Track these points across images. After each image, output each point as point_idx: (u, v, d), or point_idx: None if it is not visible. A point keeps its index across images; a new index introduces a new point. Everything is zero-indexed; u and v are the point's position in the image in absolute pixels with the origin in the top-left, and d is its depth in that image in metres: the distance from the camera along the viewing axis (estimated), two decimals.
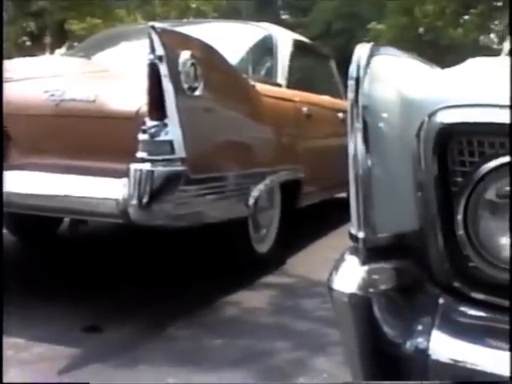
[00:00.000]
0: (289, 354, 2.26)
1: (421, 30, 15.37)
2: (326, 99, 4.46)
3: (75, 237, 3.91)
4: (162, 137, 2.33)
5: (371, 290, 1.07)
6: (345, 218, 1.27)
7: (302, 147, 3.73)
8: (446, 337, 1.02)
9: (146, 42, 2.30)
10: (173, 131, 2.33)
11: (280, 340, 2.37)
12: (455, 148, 1.05)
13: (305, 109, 3.81)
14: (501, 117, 0.99)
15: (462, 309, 1.05)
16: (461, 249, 1.04)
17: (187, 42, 2.55)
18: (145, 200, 2.30)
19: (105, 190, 2.43)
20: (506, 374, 0.94)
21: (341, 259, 1.14)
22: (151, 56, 2.29)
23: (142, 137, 2.33)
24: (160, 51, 2.29)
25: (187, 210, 2.55)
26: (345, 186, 1.30)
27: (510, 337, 0.97)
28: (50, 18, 12.26)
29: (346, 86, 1.19)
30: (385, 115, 1.11)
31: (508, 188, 1.00)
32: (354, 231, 1.11)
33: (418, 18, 14.53)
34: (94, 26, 11.81)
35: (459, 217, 1.03)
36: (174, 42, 2.42)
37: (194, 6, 14.54)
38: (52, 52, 11.50)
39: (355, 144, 1.10)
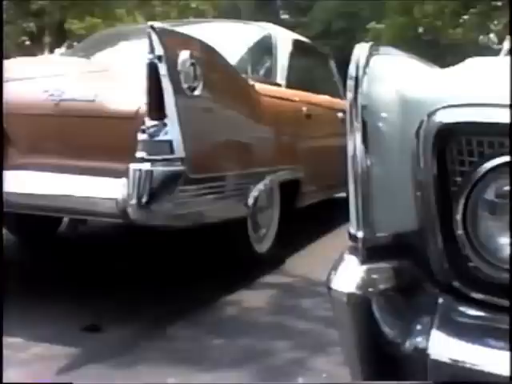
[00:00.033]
0: (288, 353, 2.26)
1: (420, 29, 15.36)
2: (325, 99, 4.46)
3: (75, 237, 3.91)
4: (162, 136, 2.33)
5: (370, 289, 1.07)
6: (344, 217, 1.27)
7: (301, 147, 3.73)
8: (445, 336, 1.02)
9: (146, 41, 2.30)
10: (172, 131, 2.33)
11: (280, 340, 2.37)
12: (454, 147, 1.05)
13: (304, 108, 3.81)
14: (500, 116, 0.99)
15: (461, 309, 1.05)
16: (460, 248, 1.04)
17: (186, 41, 2.55)
18: (144, 200, 2.30)
19: (104, 189, 2.43)
20: (506, 373, 0.94)
21: (340, 259, 1.14)
22: (150, 56, 2.30)
23: (141, 136, 2.33)
24: (159, 51, 2.29)
25: (186, 210, 2.55)
26: (344, 186, 1.30)
27: (510, 337, 0.97)
28: (49, 17, 12.26)
29: (345, 86, 1.19)
30: (384, 115, 1.11)
31: (507, 188, 1.00)
32: (353, 231, 1.11)
33: (418, 18, 14.52)
34: (94, 25, 11.79)
35: (458, 216, 1.03)
36: (173, 42, 2.42)
37: (193, 5, 14.53)
38: (51, 52, 11.49)
39: (354, 144, 1.10)
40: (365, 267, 1.08)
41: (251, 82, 3.13)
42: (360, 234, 1.09)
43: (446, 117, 1.05)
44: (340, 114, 4.30)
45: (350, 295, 1.07)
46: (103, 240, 4.08)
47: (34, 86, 2.77)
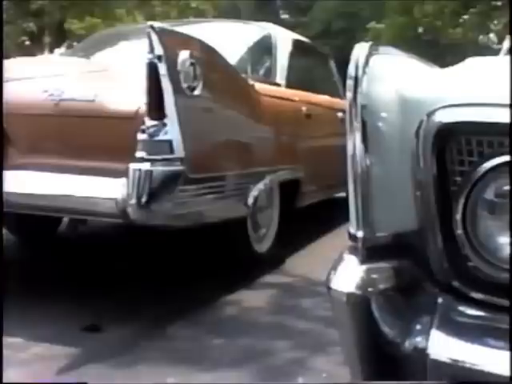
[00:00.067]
0: (288, 353, 2.26)
1: (420, 29, 15.36)
2: (325, 99, 4.47)
3: (75, 237, 3.91)
4: (161, 136, 2.33)
5: (370, 289, 1.07)
6: (344, 217, 1.27)
7: (301, 147, 3.73)
8: (444, 336, 1.02)
9: (146, 41, 2.30)
10: (172, 131, 2.33)
11: (280, 339, 2.37)
12: (454, 147, 1.05)
13: (304, 108, 3.81)
14: (500, 116, 0.99)
15: (461, 308, 1.05)
16: (460, 248, 1.04)
17: (186, 41, 2.55)
18: (144, 200, 2.30)
19: (104, 189, 2.43)
20: (506, 373, 0.94)
21: (340, 258, 1.14)
22: (150, 56, 2.30)
23: (141, 136, 2.33)
24: (159, 51, 2.29)
25: (186, 210, 2.55)
26: (344, 186, 1.30)
27: (510, 337, 0.97)
28: (49, 17, 12.25)
29: (345, 86, 1.19)
30: (383, 114, 1.11)
31: (507, 187, 1.00)
32: (352, 230, 1.11)
33: (418, 18, 14.52)
34: (94, 25, 11.79)
35: (458, 216, 1.03)
36: (173, 42, 2.42)
37: (193, 5, 14.53)
38: (51, 52, 11.49)
39: (354, 143, 1.10)
40: (364, 267, 1.08)
41: (251, 82, 3.13)
42: (360, 234, 1.09)
43: (445, 116, 1.05)
44: (340, 114, 4.30)
45: (349, 295, 1.07)
46: (103, 240, 4.08)
47: (33, 85, 2.77)
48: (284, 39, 4.11)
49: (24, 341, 2.26)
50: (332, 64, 5.26)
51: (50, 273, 3.22)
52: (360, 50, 1.12)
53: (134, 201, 2.30)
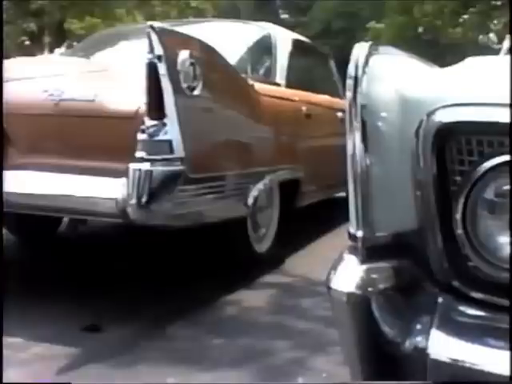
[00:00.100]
0: (288, 353, 2.26)
1: (420, 29, 15.36)
2: (324, 98, 4.46)
3: (75, 237, 3.91)
4: (161, 136, 2.33)
5: (370, 289, 1.07)
6: (344, 217, 1.26)
7: (301, 146, 3.73)
8: (444, 336, 1.02)
9: (145, 41, 2.30)
10: (172, 131, 2.33)
11: (279, 339, 2.37)
12: (454, 147, 1.04)
13: (304, 108, 3.81)
14: (500, 116, 0.99)
15: (461, 308, 1.05)
16: (460, 248, 1.04)
17: (186, 41, 2.55)
18: (144, 199, 2.30)
19: (104, 189, 2.43)
20: (506, 373, 0.94)
21: (339, 258, 1.14)
22: (150, 55, 2.30)
23: (140, 136, 2.33)
24: (159, 51, 2.29)
25: (186, 210, 2.55)
26: (344, 186, 1.30)
27: (510, 336, 0.97)
28: (49, 17, 12.25)
29: (344, 85, 1.19)
30: (383, 114, 1.11)
31: (507, 187, 1.00)
32: (352, 230, 1.11)
33: (417, 18, 14.52)
34: (94, 25, 11.80)
35: (458, 216, 1.03)
36: (172, 42, 2.42)
37: (193, 5, 14.53)
38: (51, 51, 11.49)
39: (354, 143, 1.10)
40: (364, 267, 1.08)
41: (251, 82, 3.13)
42: (360, 234, 1.09)
43: (445, 116, 1.05)
44: (340, 114, 4.30)
45: (349, 295, 1.07)
46: (103, 240, 4.08)
47: (33, 85, 2.77)
48: (284, 39, 4.11)
49: (24, 341, 2.26)
50: (332, 64, 5.25)
51: (50, 273, 3.22)
52: (360, 50, 1.12)
53: (133, 201, 2.30)
